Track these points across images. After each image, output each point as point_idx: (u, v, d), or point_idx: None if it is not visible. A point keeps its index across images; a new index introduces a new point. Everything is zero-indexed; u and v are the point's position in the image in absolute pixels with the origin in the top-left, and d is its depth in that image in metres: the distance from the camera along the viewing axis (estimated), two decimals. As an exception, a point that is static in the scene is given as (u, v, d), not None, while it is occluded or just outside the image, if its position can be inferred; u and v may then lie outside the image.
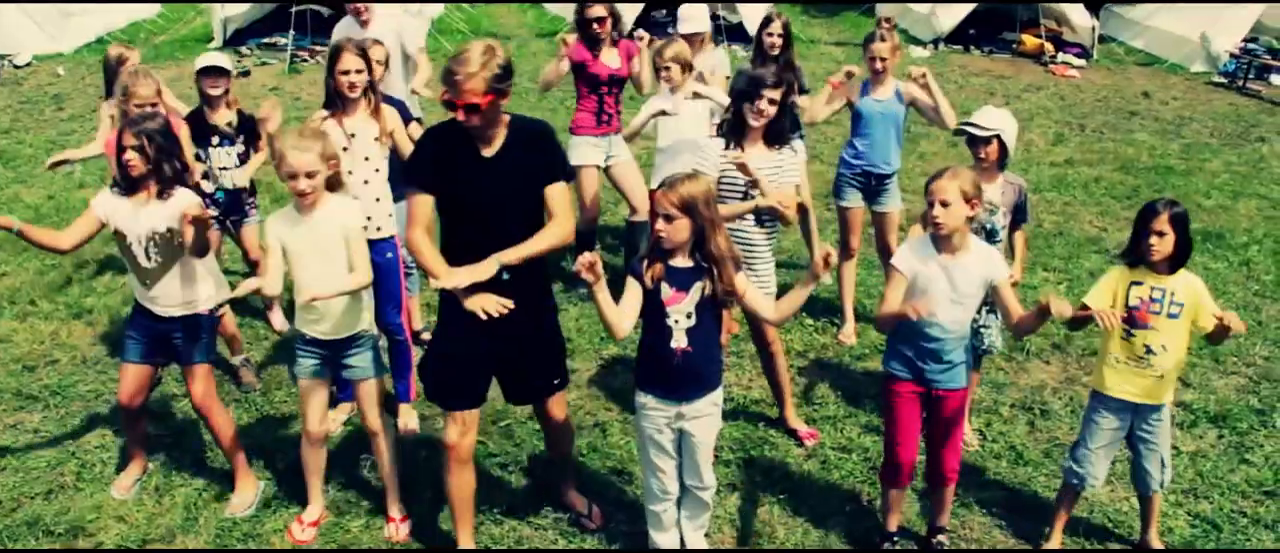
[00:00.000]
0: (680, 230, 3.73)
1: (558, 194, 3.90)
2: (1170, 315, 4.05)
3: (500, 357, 4.09)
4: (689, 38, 6.43)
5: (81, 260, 7.39)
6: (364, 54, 4.97)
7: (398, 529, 4.60)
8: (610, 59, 6.55)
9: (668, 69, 5.98)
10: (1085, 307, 4.01)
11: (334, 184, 4.25)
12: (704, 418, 4.00)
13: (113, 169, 4.53)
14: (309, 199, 4.15)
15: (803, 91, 6.54)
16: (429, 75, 6.85)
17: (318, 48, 14.63)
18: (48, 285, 6.99)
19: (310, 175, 4.09)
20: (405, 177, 4.11)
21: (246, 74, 13.37)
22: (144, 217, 4.33)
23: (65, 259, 7.38)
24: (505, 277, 3.73)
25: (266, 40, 15.48)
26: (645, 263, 3.83)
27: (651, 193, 3.86)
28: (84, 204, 8.28)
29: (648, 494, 4.22)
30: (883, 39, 5.92)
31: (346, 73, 4.91)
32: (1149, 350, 4.09)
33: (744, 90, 4.76)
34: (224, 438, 4.71)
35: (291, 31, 14.45)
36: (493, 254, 3.73)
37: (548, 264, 4.09)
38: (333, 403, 5.15)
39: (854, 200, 6.20)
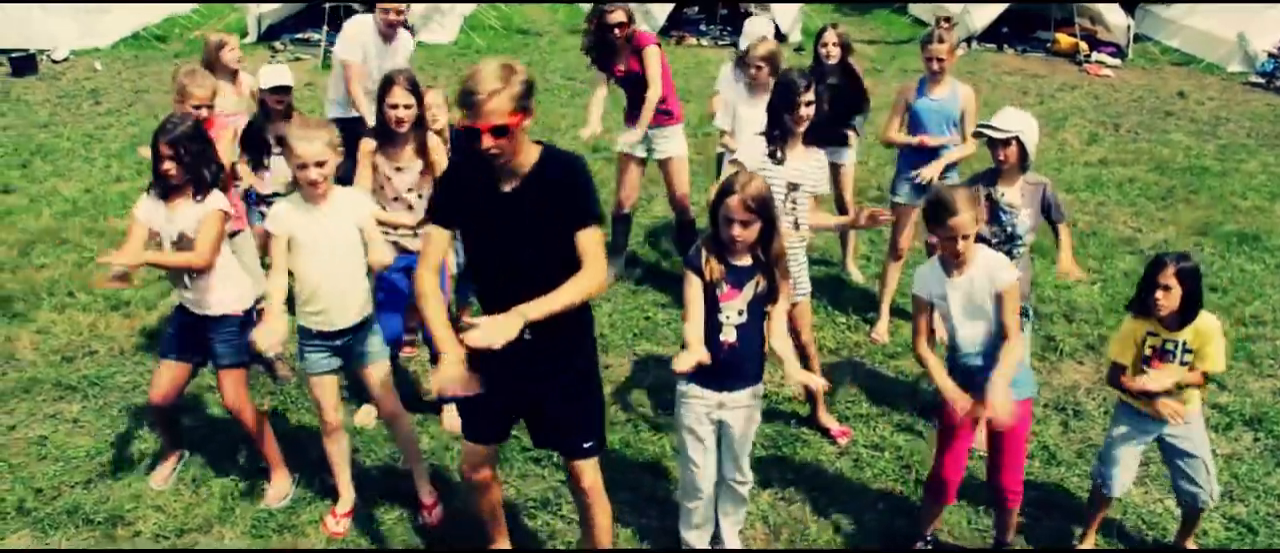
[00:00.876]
0: (754, 232, 3.76)
1: (587, 240, 3.46)
2: (1182, 363, 4.05)
3: (524, 397, 3.78)
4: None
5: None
6: (415, 88, 4.93)
7: (431, 514, 4.63)
8: (622, 62, 6.57)
9: (758, 69, 5.99)
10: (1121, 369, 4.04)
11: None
12: (743, 409, 4.01)
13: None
14: (319, 189, 4.14)
15: (858, 98, 6.55)
16: None
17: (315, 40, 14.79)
18: (86, 277, 7.08)
19: (320, 164, 4.10)
20: (428, 210, 3.82)
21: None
22: (177, 219, 4.39)
23: (103, 252, 7.47)
24: (527, 336, 3.26)
25: (300, 36, 15.59)
26: (702, 257, 3.83)
27: (724, 195, 3.78)
28: (120, 198, 8.44)
29: (683, 490, 4.24)
30: (941, 40, 5.92)
31: (396, 107, 4.86)
32: (1167, 390, 4.08)
33: (782, 99, 4.78)
34: (257, 437, 4.75)
35: (325, 27, 14.53)
36: (515, 306, 3.29)
37: (586, 313, 3.75)
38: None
39: (910, 198, 6.12)
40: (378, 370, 4.49)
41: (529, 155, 3.47)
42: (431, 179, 4.96)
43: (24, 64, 13.10)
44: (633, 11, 6.54)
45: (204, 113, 5.20)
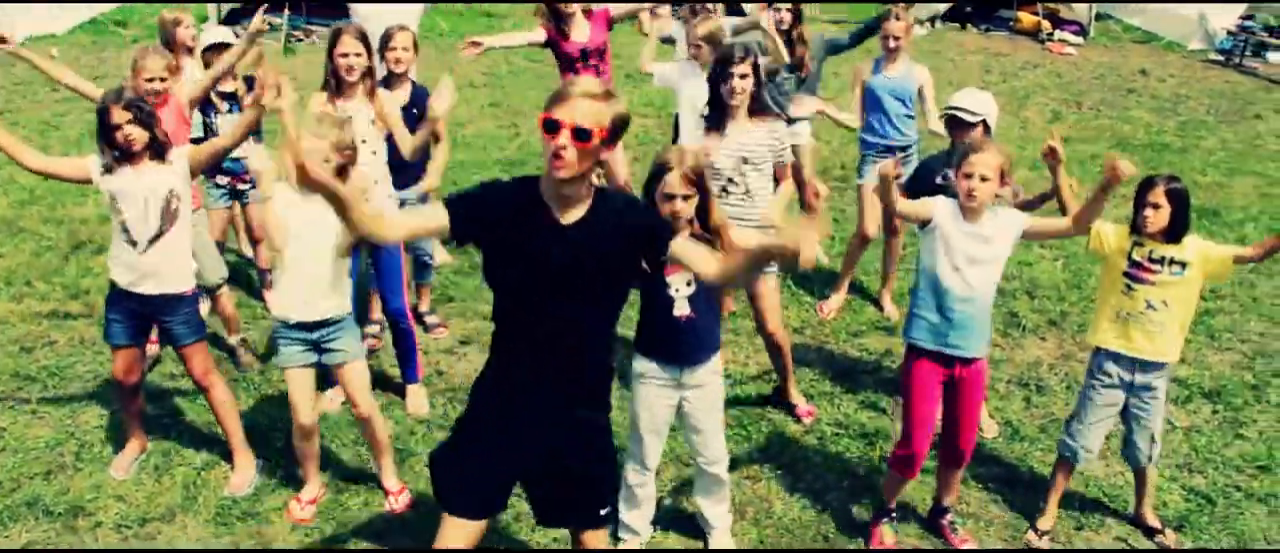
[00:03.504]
0: (692, 206, 3.76)
1: (683, 248, 3.16)
2: (1173, 273, 4.14)
3: (528, 468, 3.34)
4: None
5: (78, 241, 7.37)
6: (363, 38, 4.98)
7: (397, 500, 4.62)
8: (580, 33, 6.44)
9: (698, 47, 5.97)
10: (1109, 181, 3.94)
11: (344, 175, 4.19)
12: (706, 387, 4.02)
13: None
14: None
15: (798, 68, 6.48)
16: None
17: (313, 28, 14.57)
18: (44, 267, 6.98)
19: (325, 162, 4.06)
20: (452, 220, 3.04)
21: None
22: (147, 177, 4.33)
23: (61, 240, 7.37)
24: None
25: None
26: None
27: (661, 172, 3.77)
28: (78, 187, 8.28)
29: (629, 468, 4.18)
30: (897, 18, 6.02)
31: (345, 56, 4.95)
32: (1149, 305, 4.17)
33: (716, 72, 4.78)
34: (224, 415, 4.72)
35: (287, 11, 14.37)
36: (543, 369, 3.09)
37: (608, 373, 3.34)
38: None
39: (872, 177, 6.12)
40: (353, 370, 4.45)
41: (588, 191, 3.06)
42: (382, 128, 5.06)
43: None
44: None
45: (158, 87, 5.18)
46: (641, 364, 4.01)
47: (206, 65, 5.88)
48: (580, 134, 2.86)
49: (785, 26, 6.29)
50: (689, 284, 3.85)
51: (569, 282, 3.01)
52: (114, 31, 14.69)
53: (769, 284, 5.00)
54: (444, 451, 3.38)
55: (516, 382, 3.18)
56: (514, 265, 3.06)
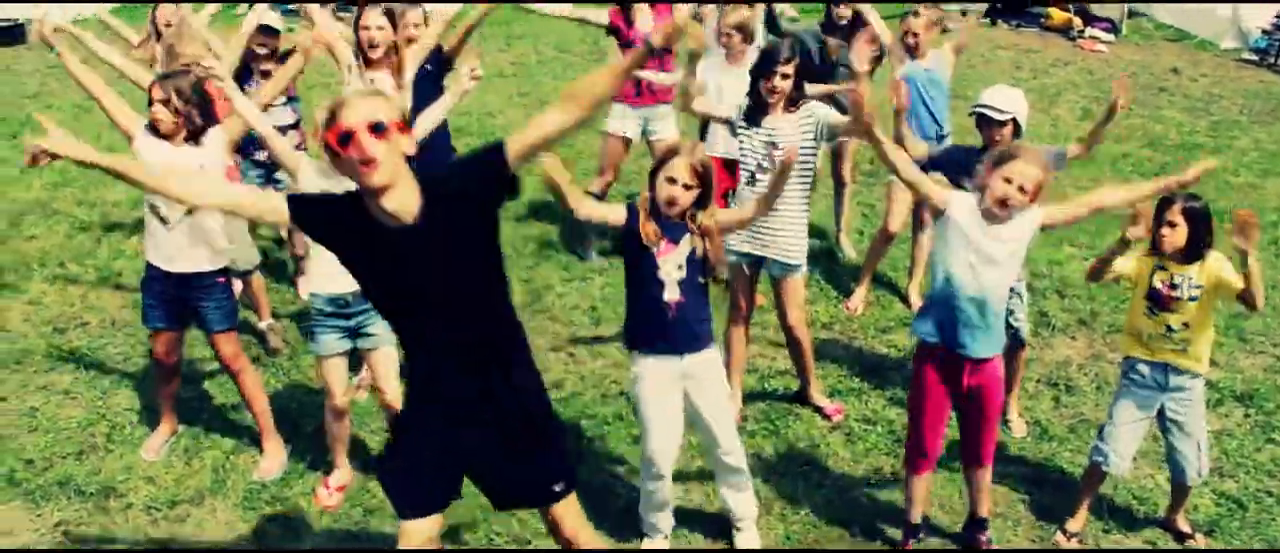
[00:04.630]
0: (692, 197, 3.81)
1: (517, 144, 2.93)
2: (1190, 299, 4.10)
3: (466, 459, 3.29)
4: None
5: (110, 223, 7.44)
6: (389, 13, 4.99)
7: None
8: (645, 23, 6.33)
9: (728, 37, 5.93)
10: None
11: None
12: (709, 379, 4.02)
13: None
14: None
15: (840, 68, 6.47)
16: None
17: (343, 17, 14.65)
18: (77, 248, 7.05)
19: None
20: (293, 212, 3.02)
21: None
22: (180, 155, 4.34)
23: (94, 222, 7.44)
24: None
25: (291, 6, 15.47)
26: (640, 218, 3.86)
27: (670, 156, 3.85)
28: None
29: (644, 468, 4.17)
30: (917, 15, 5.99)
31: (367, 29, 4.97)
32: (1170, 330, 4.13)
33: (761, 67, 4.76)
34: (254, 400, 4.76)
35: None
36: (448, 346, 3.06)
37: (516, 332, 3.25)
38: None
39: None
40: (384, 355, 4.45)
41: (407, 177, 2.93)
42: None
43: (12, 33, 12.97)
44: None
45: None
46: (639, 364, 4.01)
47: (254, 49, 5.60)
48: (377, 128, 2.78)
49: (844, 21, 6.35)
50: (680, 269, 3.86)
51: (433, 276, 2.96)
52: (144, 13, 14.73)
53: (794, 277, 4.97)
54: (385, 458, 3.41)
55: (428, 378, 3.18)
56: (373, 281, 3.07)
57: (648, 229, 3.84)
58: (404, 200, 2.88)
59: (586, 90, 2.93)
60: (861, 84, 4.62)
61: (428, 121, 4.46)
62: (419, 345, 3.15)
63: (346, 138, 2.78)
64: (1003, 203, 3.80)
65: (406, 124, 2.92)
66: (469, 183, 2.96)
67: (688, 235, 3.86)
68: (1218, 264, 4.10)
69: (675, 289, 3.87)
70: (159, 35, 5.96)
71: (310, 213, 3.05)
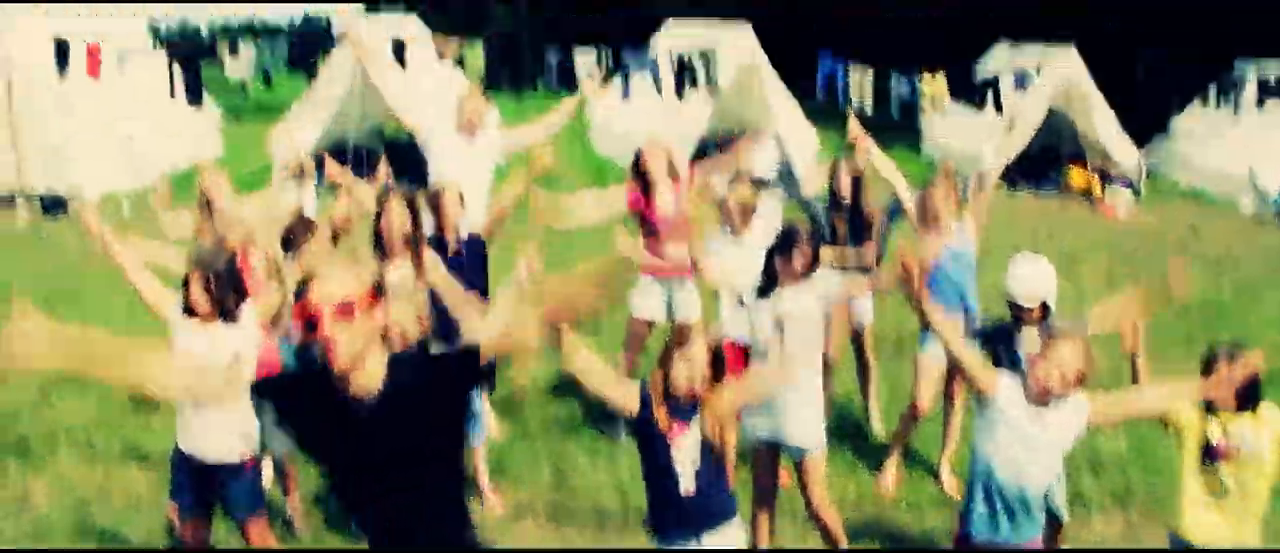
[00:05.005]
0: (705, 379, 3.82)
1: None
2: (1249, 448, 4.02)
3: None
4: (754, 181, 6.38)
5: (139, 397, 7.47)
6: (410, 203, 5.12)
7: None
8: (666, 202, 6.36)
9: (732, 212, 5.95)
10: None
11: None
12: (732, 541, 3.98)
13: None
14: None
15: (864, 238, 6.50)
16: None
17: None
18: (104, 421, 7.07)
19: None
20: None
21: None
22: (213, 337, 4.39)
23: (122, 396, 7.48)
24: None
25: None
26: (653, 402, 3.86)
27: (688, 339, 3.87)
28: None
29: None
30: (935, 185, 5.93)
31: (388, 219, 5.17)
32: (1224, 487, 4.05)
33: (780, 247, 4.80)
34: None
35: (348, 166, 14.75)
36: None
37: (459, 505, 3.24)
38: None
39: (932, 348, 5.86)
40: None
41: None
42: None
43: (54, 204, 13.36)
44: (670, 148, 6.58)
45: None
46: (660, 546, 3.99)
47: (287, 242, 5.66)
48: (344, 309, 2.73)
49: (845, 198, 6.39)
50: (694, 462, 3.83)
51: (387, 456, 2.90)
52: (181, 189, 15.15)
53: (812, 457, 4.92)
54: None
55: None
56: (326, 460, 3.06)
57: (660, 414, 3.84)
58: (369, 379, 2.85)
59: (567, 307, 2.95)
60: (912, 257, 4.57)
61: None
62: (375, 519, 3.08)
63: (312, 324, 2.75)
64: (1046, 387, 3.83)
65: (378, 294, 2.88)
66: (436, 380, 2.94)
67: (696, 418, 3.85)
68: (1271, 415, 4.05)
69: (690, 480, 3.84)
70: (208, 206, 6.03)
71: (274, 391, 3.12)
